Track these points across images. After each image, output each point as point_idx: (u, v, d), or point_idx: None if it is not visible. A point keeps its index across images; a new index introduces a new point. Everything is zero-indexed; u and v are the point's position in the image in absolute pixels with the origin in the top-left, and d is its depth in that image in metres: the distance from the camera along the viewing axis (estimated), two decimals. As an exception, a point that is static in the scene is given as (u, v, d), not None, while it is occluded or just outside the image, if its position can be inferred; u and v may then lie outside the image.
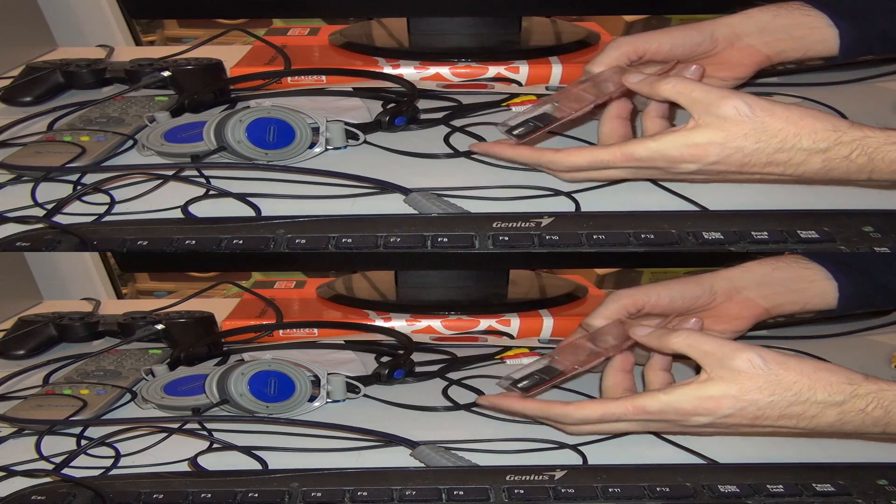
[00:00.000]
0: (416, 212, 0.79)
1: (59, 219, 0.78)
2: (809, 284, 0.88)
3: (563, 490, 0.75)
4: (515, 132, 0.79)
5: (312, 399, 0.88)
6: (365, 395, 0.91)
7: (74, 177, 0.82)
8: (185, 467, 0.80)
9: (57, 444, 0.83)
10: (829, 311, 0.90)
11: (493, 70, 0.99)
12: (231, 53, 1.04)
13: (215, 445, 0.83)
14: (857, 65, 1.02)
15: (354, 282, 1.17)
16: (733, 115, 0.73)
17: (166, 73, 0.96)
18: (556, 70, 0.99)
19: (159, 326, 1.05)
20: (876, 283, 0.89)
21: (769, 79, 1.00)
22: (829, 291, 0.88)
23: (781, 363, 0.74)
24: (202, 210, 0.80)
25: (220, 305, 1.15)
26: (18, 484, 0.78)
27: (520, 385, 0.81)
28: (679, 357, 0.79)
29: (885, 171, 0.74)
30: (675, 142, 0.74)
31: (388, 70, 0.99)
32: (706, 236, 0.77)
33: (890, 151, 0.73)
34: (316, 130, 0.84)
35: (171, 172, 0.83)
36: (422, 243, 0.77)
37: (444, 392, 0.93)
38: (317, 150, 0.84)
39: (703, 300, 0.86)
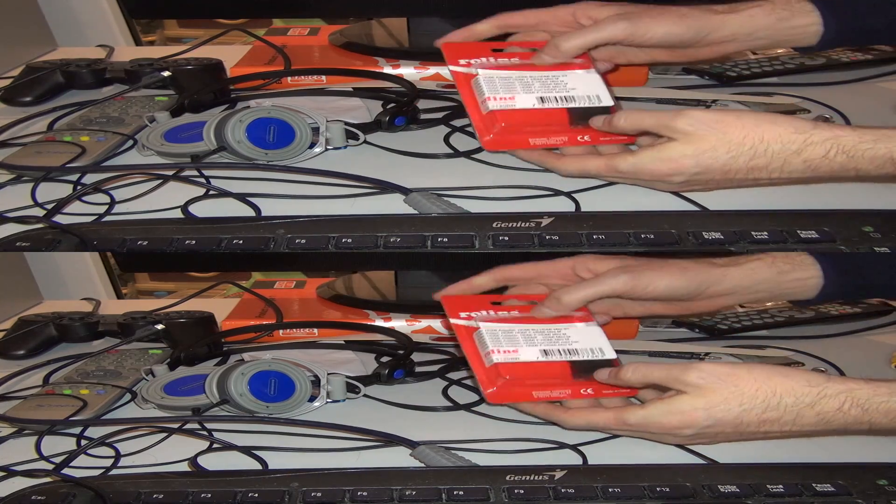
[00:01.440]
0: (416, 212, 0.79)
1: (59, 219, 0.78)
2: (799, 283, 0.84)
3: (563, 490, 0.75)
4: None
5: (312, 399, 0.88)
6: (365, 395, 0.91)
7: (74, 177, 0.82)
8: (185, 467, 0.80)
9: (57, 444, 0.83)
10: (805, 301, 0.86)
11: (493, 70, 0.98)
12: (231, 53, 1.04)
13: (215, 445, 0.83)
14: (858, 65, 1.02)
15: (354, 282, 1.17)
16: (692, 130, 0.74)
17: (166, 73, 0.96)
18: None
19: (159, 326, 1.05)
20: (864, 282, 0.88)
21: (769, 78, 1.00)
22: (814, 286, 0.84)
23: (731, 374, 0.74)
24: (202, 210, 0.80)
25: (220, 305, 1.15)
26: (18, 484, 0.78)
27: None
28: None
29: (869, 169, 0.74)
30: (651, 156, 0.76)
31: (388, 70, 0.99)
32: (706, 236, 0.77)
33: (868, 150, 0.73)
34: (316, 130, 0.84)
35: (171, 172, 0.83)
36: (422, 243, 0.77)
37: (444, 392, 0.93)
38: (317, 150, 0.84)
39: (691, 296, 0.83)
